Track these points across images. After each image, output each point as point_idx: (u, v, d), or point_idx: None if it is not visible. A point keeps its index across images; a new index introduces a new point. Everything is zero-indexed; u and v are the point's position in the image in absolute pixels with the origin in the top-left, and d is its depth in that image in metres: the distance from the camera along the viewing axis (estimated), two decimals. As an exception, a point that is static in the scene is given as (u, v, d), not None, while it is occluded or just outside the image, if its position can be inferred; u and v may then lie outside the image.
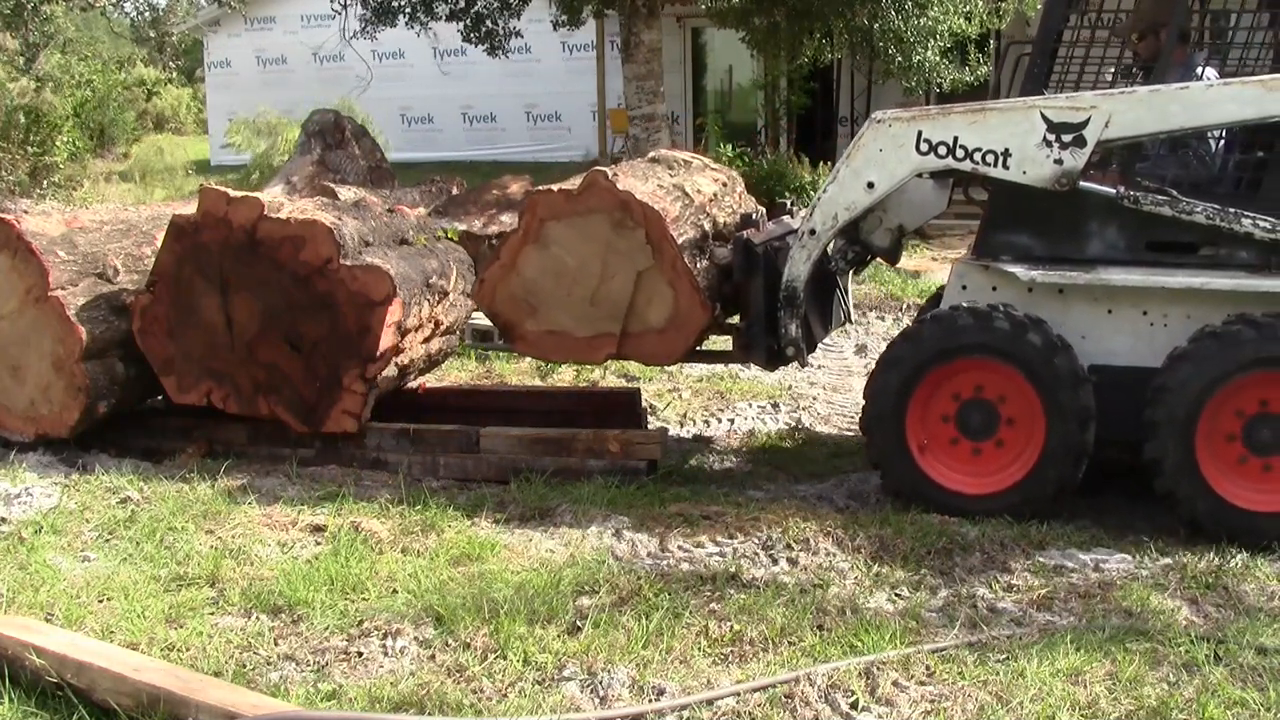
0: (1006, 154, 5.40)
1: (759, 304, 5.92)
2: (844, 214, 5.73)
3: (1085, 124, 5.30)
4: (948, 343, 5.48)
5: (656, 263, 5.79)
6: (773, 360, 6.10)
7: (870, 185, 5.63)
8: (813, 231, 5.79)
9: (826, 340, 7.70)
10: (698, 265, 5.91)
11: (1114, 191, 5.43)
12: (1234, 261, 5.42)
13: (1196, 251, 5.49)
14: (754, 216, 6.36)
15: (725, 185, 6.82)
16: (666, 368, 7.36)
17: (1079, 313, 5.61)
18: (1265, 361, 5.14)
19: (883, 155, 5.58)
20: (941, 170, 5.68)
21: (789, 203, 6.88)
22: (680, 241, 5.83)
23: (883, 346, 5.81)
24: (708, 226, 6.25)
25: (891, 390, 5.55)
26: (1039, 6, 13.64)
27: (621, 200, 5.80)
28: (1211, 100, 5.27)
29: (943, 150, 5.48)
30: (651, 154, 7.02)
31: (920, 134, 5.50)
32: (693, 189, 6.36)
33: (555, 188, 5.98)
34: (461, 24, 15.10)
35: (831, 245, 5.98)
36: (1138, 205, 5.40)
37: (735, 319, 6.26)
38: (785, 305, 5.88)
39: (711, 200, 6.47)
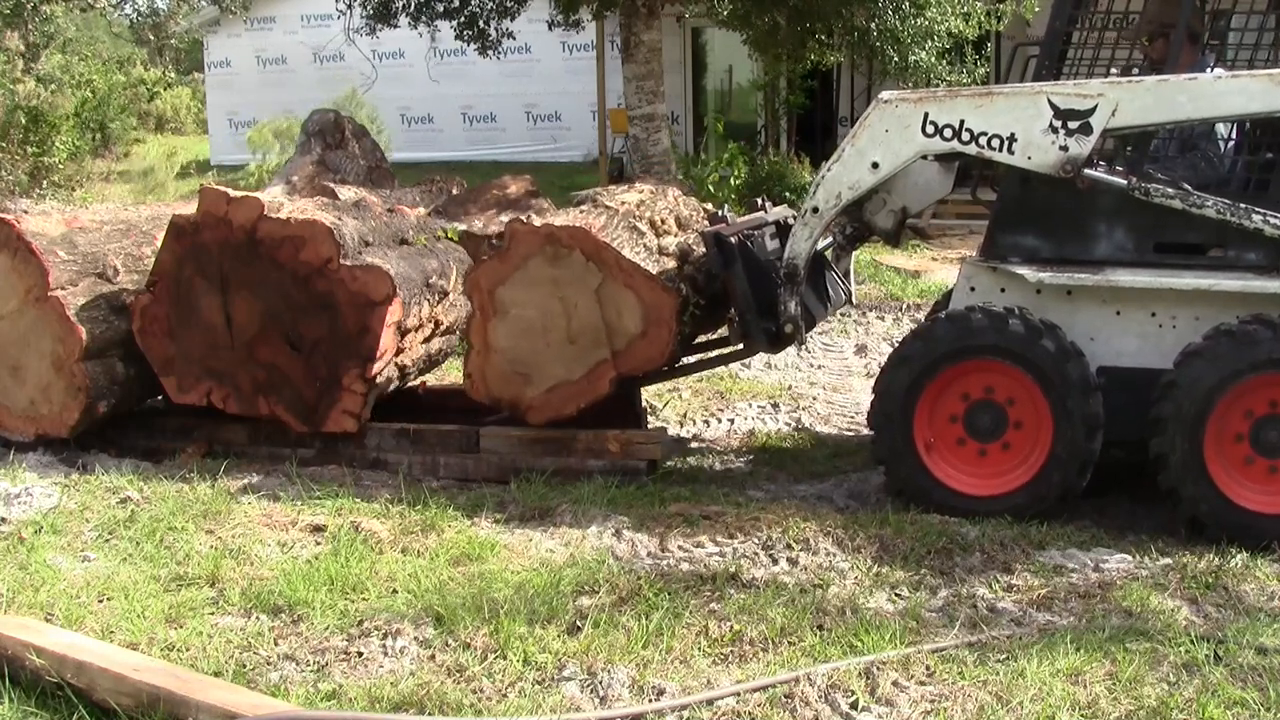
0: (1012, 139, 5.38)
1: (745, 291, 5.91)
2: (847, 193, 5.70)
3: (1092, 111, 5.28)
4: (960, 343, 5.46)
5: (604, 273, 5.85)
6: (774, 343, 6.09)
7: (875, 165, 5.60)
8: (815, 209, 5.76)
9: (826, 341, 7.70)
10: (647, 261, 5.96)
11: (1124, 183, 5.40)
12: (1243, 262, 5.40)
13: (1205, 252, 5.48)
14: (720, 214, 6.39)
15: (653, 192, 6.91)
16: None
17: (1087, 314, 5.59)
18: (1278, 363, 5.13)
19: (888, 136, 5.56)
20: (946, 153, 5.67)
21: (760, 199, 6.89)
22: (616, 243, 5.89)
23: (882, 346, 5.81)
24: (643, 226, 6.32)
25: (901, 387, 5.52)
26: (1036, 9, 13.71)
27: (545, 234, 5.90)
28: (1219, 92, 5.26)
29: (948, 133, 5.45)
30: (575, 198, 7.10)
31: (926, 116, 5.48)
32: (614, 203, 6.45)
33: (485, 257, 6.11)
34: (454, 22, 15.10)
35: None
36: (1148, 196, 5.37)
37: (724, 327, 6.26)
38: (786, 282, 5.85)
39: (638, 205, 6.56)
